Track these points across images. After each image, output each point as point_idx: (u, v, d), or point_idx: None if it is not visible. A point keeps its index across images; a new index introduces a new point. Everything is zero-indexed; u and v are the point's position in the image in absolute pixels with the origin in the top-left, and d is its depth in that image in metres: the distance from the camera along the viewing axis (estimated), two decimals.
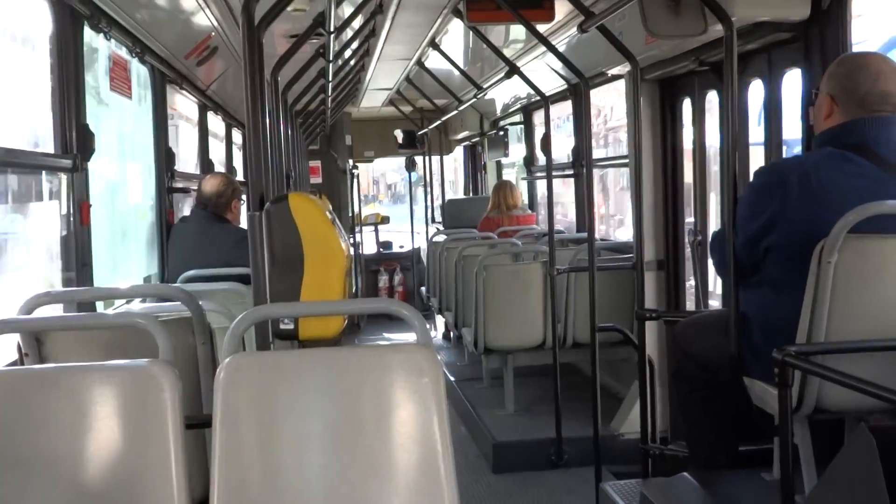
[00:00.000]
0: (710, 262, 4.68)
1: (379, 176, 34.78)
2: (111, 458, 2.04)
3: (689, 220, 5.15)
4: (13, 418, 2.03)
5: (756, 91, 4.26)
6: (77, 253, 3.46)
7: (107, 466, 2.04)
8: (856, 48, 3.44)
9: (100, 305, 3.60)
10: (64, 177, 3.53)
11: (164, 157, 5.09)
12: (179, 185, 5.31)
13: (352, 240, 10.85)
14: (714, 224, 4.94)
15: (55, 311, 3.01)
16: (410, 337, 2.22)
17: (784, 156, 4.10)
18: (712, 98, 4.80)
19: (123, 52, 4.38)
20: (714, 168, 4.97)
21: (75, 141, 3.47)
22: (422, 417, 2.06)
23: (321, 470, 2.05)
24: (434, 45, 6.44)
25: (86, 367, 2.09)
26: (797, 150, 4.08)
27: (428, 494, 2.05)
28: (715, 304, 4.92)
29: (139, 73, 4.89)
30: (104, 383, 2.05)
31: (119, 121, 4.82)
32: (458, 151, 12.66)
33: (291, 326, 2.56)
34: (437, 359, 2.09)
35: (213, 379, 2.36)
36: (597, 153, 8.14)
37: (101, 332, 2.59)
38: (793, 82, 3.93)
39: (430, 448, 2.05)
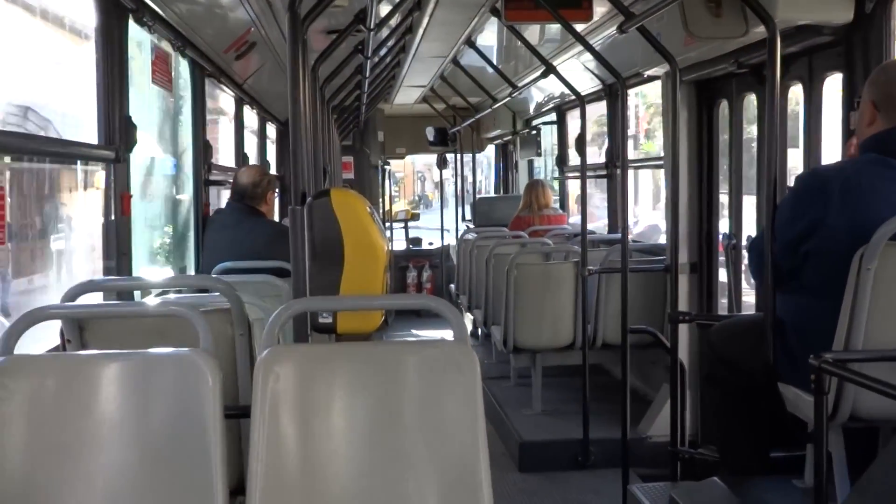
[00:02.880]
0: (744, 265, 4.67)
1: (423, 170, 28.98)
2: (152, 445, 2.08)
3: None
4: (58, 403, 2.07)
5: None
6: (117, 243, 3.52)
7: (147, 453, 2.08)
8: None
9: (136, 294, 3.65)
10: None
11: (202, 150, 5.15)
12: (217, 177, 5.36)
13: None
14: (749, 228, 4.91)
15: (96, 299, 3.07)
16: (438, 334, 2.24)
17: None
18: (749, 101, 4.77)
19: (165, 46, 4.44)
20: (750, 172, 4.94)
21: (118, 132, 3.52)
22: (458, 413, 2.07)
23: (357, 462, 2.08)
24: (470, 42, 6.45)
25: (128, 354, 2.13)
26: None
27: (463, 489, 2.06)
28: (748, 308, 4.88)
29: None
30: (147, 371, 2.09)
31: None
32: (490, 150, 12.66)
33: (330, 320, 2.58)
34: (475, 356, 2.10)
35: (250, 370, 2.40)
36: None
37: (141, 320, 2.63)
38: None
39: (466, 443, 2.07)
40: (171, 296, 3.80)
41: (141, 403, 2.08)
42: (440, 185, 12.79)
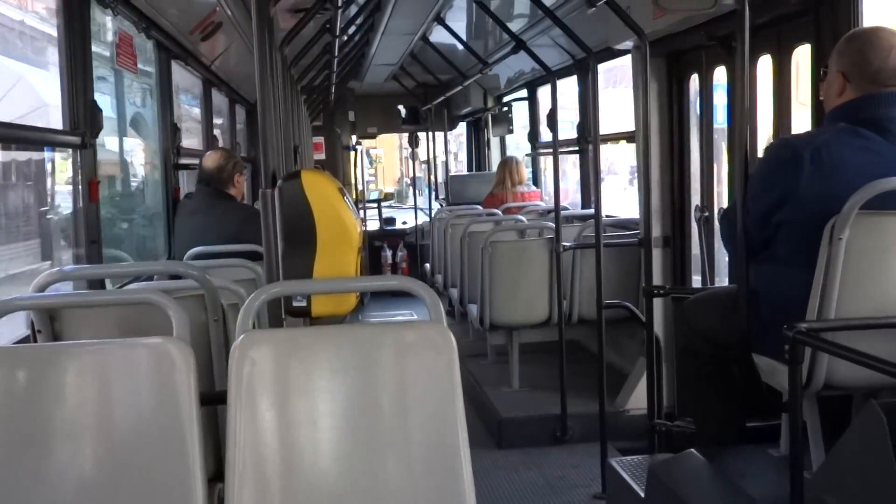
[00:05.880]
0: (717, 238, 4.69)
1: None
2: (127, 435, 2.06)
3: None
4: (29, 395, 2.04)
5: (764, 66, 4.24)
6: (86, 230, 3.46)
7: (122, 443, 2.06)
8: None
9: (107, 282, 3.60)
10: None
11: (171, 133, 5.08)
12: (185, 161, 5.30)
13: None
14: (720, 200, 4.93)
15: (65, 287, 3.02)
16: (414, 314, 2.23)
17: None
18: (719, 74, 4.77)
19: (128, 27, 4.36)
20: (721, 144, 4.95)
21: (83, 117, 3.45)
22: (436, 394, 2.07)
23: (336, 446, 2.07)
24: (439, 19, 6.40)
25: (102, 343, 2.10)
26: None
27: (442, 470, 2.06)
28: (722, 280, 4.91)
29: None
30: (120, 360, 2.06)
31: None
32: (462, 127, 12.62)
33: (304, 304, 2.56)
34: (451, 336, 2.10)
35: (225, 356, 2.37)
36: None
37: (113, 308, 2.60)
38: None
39: (445, 424, 2.06)
40: (141, 283, 3.76)
41: (115, 393, 2.05)
42: (412, 165, 12.74)
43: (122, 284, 3.72)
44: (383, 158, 26.15)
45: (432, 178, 11.40)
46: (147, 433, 2.04)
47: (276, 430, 2.06)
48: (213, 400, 2.34)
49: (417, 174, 13.29)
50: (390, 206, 13.33)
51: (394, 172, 27.46)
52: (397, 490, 2.07)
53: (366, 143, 12.29)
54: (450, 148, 11.54)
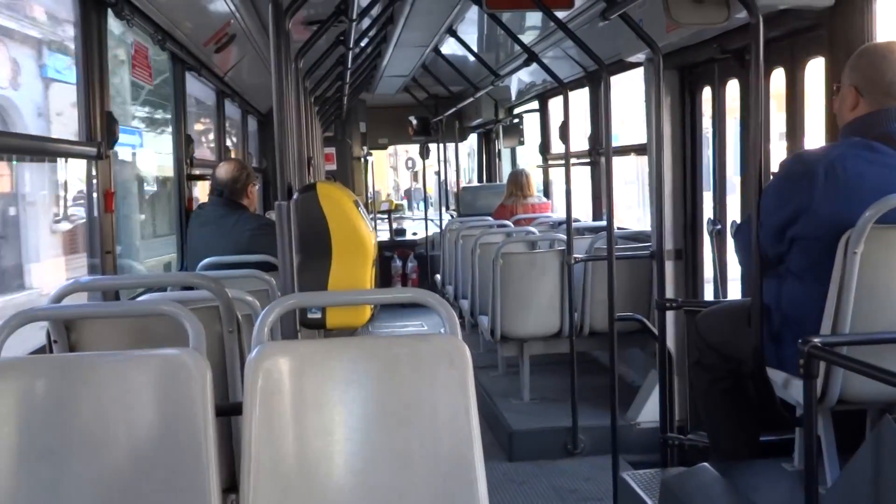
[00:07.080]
0: (729, 251, 4.68)
1: (416, 156, 18.29)
2: (142, 446, 2.06)
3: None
4: (45, 405, 2.05)
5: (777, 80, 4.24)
6: (101, 240, 3.48)
7: (138, 454, 2.06)
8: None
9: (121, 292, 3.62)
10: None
11: (184, 144, 5.11)
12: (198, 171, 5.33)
13: None
14: (733, 214, 4.92)
15: (80, 298, 3.03)
16: (424, 325, 2.24)
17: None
18: (732, 87, 4.77)
19: (143, 39, 4.39)
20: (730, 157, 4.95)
21: (99, 129, 3.48)
22: (451, 407, 2.07)
23: (351, 458, 2.07)
24: (451, 31, 6.43)
25: (118, 354, 2.11)
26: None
27: (457, 483, 2.06)
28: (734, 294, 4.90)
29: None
30: (136, 371, 2.07)
31: None
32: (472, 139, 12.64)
33: (319, 315, 2.56)
34: (466, 349, 2.10)
35: (240, 367, 2.38)
36: None
37: (128, 319, 2.61)
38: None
39: (460, 437, 2.07)
40: (155, 294, 3.77)
41: (131, 404, 2.06)
42: (423, 175, 12.77)
43: (136, 295, 3.74)
44: (372, 168, 25.32)
45: (444, 189, 11.41)
46: (162, 444, 2.05)
47: (291, 441, 2.07)
48: (228, 411, 2.34)
49: (416, 186, 13.33)
50: (401, 217, 13.34)
51: (385, 183, 27.05)
52: (412, 502, 2.07)
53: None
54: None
